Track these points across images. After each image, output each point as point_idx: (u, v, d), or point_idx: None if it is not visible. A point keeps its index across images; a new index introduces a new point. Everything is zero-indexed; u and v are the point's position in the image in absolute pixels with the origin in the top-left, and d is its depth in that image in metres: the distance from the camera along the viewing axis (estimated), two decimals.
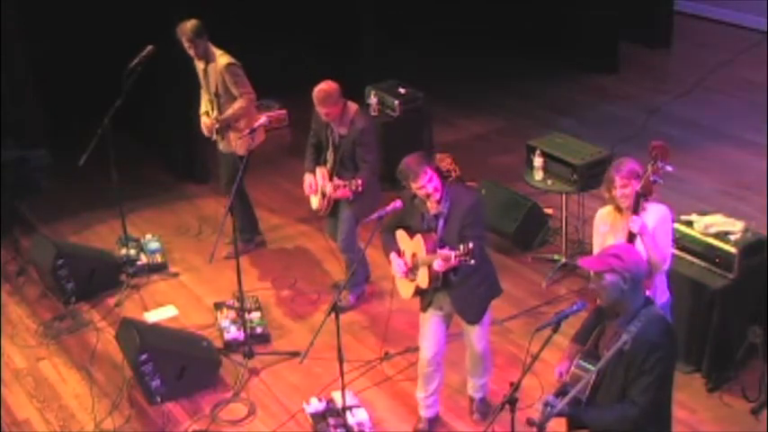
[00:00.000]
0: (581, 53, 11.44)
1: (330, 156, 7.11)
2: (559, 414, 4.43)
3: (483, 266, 5.76)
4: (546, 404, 4.44)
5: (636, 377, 4.37)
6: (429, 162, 5.67)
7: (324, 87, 6.86)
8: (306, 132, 7.43)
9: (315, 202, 7.29)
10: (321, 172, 7.16)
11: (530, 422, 4.41)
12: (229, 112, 7.58)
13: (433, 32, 12.08)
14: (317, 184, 7.18)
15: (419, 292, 5.91)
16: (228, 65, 7.48)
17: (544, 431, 4.37)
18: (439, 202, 5.66)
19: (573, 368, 4.60)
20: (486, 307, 5.93)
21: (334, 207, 7.20)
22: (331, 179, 7.05)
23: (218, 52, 7.56)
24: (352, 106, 7.03)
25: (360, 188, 6.75)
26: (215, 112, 7.64)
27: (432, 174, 5.59)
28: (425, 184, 5.58)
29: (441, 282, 5.73)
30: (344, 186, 6.82)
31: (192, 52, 7.54)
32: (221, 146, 7.88)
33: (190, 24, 7.45)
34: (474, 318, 5.90)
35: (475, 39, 12.06)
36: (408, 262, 5.90)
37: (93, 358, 7.06)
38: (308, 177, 7.22)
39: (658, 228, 5.41)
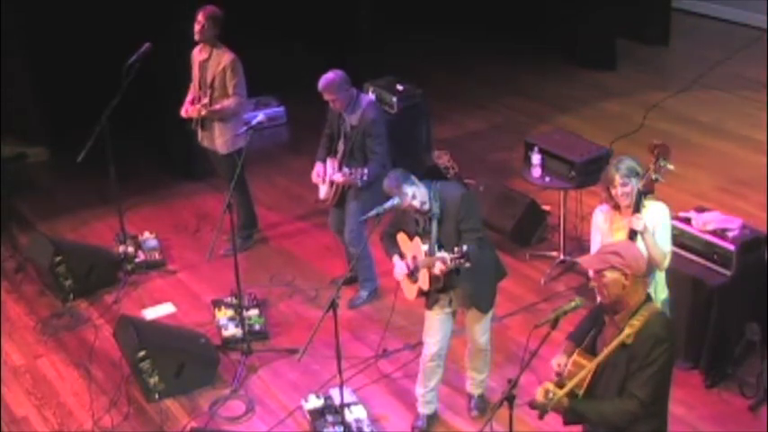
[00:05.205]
0: (579, 50, 11.44)
1: (341, 146, 7.10)
2: (557, 406, 4.42)
3: (486, 253, 5.79)
4: (546, 391, 4.44)
5: (637, 370, 4.36)
6: (406, 180, 5.60)
7: (327, 75, 6.88)
8: (304, 129, 7.44)
9: (323, 191, 7.28)
10: (331, 162, 7.16)
11: (532, 405, 4.42)
12: (217, 107, 7.59)
13: (432, 29, 12.07)
14: (326, 173, 7.18)
15: (422, 292, 5.92)
16: (234, 59, 7.54)
17: (546, 414, 4.38)
18: (429, 209, 5.67)
19: (570, 364, 4.59)
20: (495, 292, 5.98)
21: (340, 199, 7.20)
22: (341, 169, 7.05)
23: (224, 47, 7.61)
24: (366, 97, 7.04)
25: (364, 177, 6.75)
26: (205, 101, 7.63)
27: (413, 191, 5.57)
28: (410, 203, 5.60)
29: (442, 283, 5.74)
30: (350, 175, 6.82)
31: (198, 35, 7.56)
32: (204, 141, 7.88)
33: (211, 10, 7.50)
34: (487, 305, 5.93)
35: (473, 36, 12.06)
36: (410, 264, 5.91)
37: (92, 355, 7.06)
38: (317, 166, 7.22)
39: (659, 226, 5.41)
